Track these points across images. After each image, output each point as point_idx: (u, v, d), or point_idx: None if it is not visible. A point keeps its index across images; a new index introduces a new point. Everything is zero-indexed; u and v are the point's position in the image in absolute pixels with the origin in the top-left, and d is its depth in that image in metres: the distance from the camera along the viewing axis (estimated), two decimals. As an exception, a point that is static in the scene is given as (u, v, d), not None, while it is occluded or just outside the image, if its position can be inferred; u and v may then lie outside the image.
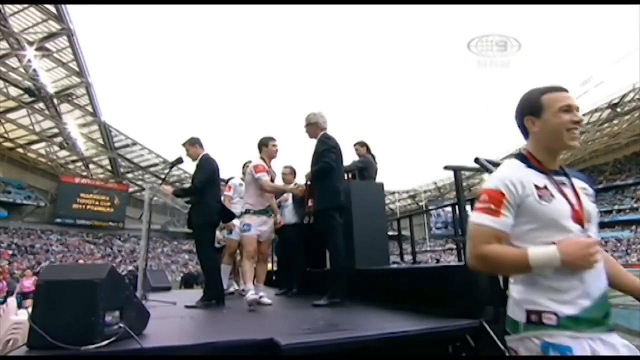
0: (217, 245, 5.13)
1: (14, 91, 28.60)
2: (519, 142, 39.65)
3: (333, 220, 3.55)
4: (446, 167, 2.59)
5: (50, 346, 1.69)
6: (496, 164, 2.40)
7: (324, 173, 3.59)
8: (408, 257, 7.65)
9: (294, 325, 2.44)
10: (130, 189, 43.04)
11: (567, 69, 53.62)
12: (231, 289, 5.33)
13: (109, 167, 41.00)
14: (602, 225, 41.67)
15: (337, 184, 3.66)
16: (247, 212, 3.85)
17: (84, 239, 38.27)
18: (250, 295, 3.47)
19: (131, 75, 74.29)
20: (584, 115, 36.20)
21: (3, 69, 26.44)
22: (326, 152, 3.62)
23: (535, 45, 55.93)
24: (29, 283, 11.77)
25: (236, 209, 4.87)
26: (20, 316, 7.23)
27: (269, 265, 6.63)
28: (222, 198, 4.81)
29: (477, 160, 2.32)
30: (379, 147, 5.51)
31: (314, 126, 3.84)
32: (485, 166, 2.29)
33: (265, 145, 4.04)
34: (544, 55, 56.27)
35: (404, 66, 69.81)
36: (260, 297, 3.66)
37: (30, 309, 1.78)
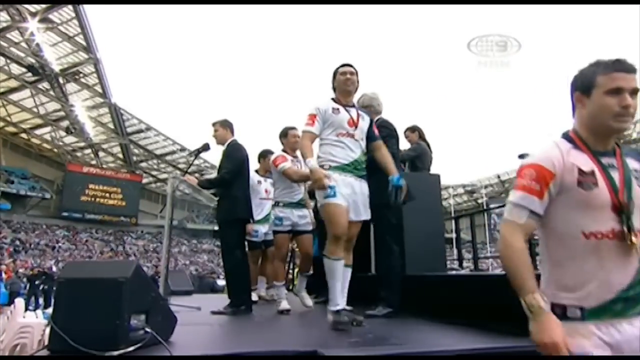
0: (253, 239, 5.12)
1: (16, 69, 29.45)
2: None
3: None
4: (521, 156, 2.54)
5: (72, 350, 1.81)
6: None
7: None
8: (467, 264, 7.56)
9: (337, 337, 2.49)
10: (144, 180, 43.53)
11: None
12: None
13: (121, 155, 41.64)
14: None
15: None
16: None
17: (93, 236, 39.64)
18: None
19: (145, 52, 75.68)
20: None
21: (4, 44, 27.13)
22: (388, 138, 3.51)
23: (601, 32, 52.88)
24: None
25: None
26: (28, 319, 7.67)
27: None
28: None
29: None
30: (432, 133, 5.41)
31: (368, 109, 3.67)
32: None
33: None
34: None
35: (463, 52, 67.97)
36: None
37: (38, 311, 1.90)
